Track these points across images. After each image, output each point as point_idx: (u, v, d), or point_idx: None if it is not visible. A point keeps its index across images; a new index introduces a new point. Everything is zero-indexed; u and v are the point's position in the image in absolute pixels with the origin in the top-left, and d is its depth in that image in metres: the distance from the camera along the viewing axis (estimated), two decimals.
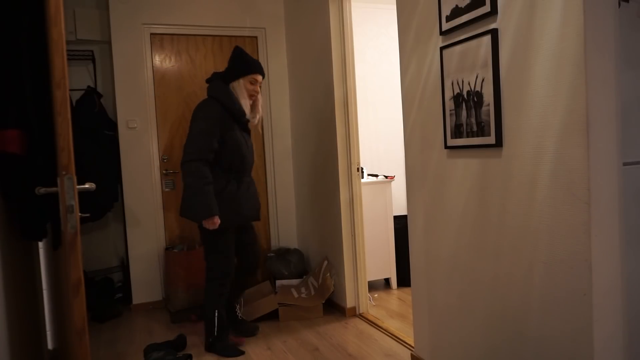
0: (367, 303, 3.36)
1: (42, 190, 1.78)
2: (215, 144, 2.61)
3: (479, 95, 1.86)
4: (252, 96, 2.77)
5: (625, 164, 1.57)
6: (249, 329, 3.03)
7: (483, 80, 1.84)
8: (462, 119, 1.97)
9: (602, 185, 1.48)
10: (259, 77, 2.76)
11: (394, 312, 3.36)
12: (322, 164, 3.50)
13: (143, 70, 3.70)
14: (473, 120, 1.91)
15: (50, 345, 2.70)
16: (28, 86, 1.89)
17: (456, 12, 1.95)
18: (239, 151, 2.70)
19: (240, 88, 2.71)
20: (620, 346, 1.54)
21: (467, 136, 1.95)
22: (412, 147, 2.40)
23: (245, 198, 2.76)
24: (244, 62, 2.73)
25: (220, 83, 2.72)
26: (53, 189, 1.77)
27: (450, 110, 2.05)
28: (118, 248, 3.96)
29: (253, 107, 2.82)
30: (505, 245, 1.81)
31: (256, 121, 2.85)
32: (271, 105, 4.07)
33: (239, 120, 2.72)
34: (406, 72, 2.38)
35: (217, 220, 2.58)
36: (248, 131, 2.85)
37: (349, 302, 3.32)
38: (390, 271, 3.85)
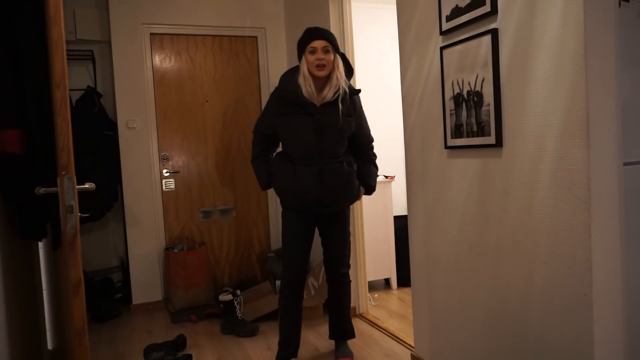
0: (367, 303, 3.36)
1: (42, 190, 1.78)
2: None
3: (479, 95, 1.86)
4: (320, 67, 2.32)
5: (625, 164, 1.57)
6: (248, 329, 3.03)
7: (483, 80, 1.83)
8: (462, 119, 1.97)
9: (603, 185, 1.47)
10: (317, 43, 2.31)
11: (394, 312, 3.36)
12: None
13: (143, 70, 3.70)
14: (473, 120, 1.91)
15: (50, 345, 2.70)
16: (28, 86, 1.89)
17: (456, 12, 1.95)
18: (289, 136, 2.44)
19: (302, 65, 2.37)
20: (620, 346, 1.54)
21: (467, 136, 1.95)
22: (412, 147, 2.40)
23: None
24: (302, 36, 2.40)
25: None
26: (53, 189, 1.77)
27: (450, 110, 2.05)
28: (118, 248, 3.96)
29: (328, 80, 2.37)
30: (506, 245, 1.81)
31: (329, 95, 2.35)
32: None
33: (298, 102, 2.36)
34: (406, 72, 2.38)
35: None
36: (316, 112, 2.35)
37: None
38: (390, 271, 3.85)
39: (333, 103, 2.36)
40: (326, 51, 2.32)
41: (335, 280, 2.64)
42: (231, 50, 4.00)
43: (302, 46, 2.38)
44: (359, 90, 2.50)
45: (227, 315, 3.16)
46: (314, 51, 2.32)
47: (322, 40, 2.32)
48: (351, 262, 3.30)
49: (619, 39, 1.50)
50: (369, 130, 2.62)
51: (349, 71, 2.49)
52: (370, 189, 2.60)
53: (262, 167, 2.55)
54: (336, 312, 2.68)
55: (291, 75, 2.44)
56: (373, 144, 2.65)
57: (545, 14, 1.55)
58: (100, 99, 3.65)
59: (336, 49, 2.38)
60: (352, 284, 3.31)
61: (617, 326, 1.53)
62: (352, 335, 2.71)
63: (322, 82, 2.37)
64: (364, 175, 2.58)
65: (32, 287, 2.43)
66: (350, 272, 3.30)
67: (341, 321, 2.68)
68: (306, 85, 2.34)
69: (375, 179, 2.62)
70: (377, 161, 2.66)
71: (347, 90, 2.39)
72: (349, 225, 2.61)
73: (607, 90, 1.47)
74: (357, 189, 2.54)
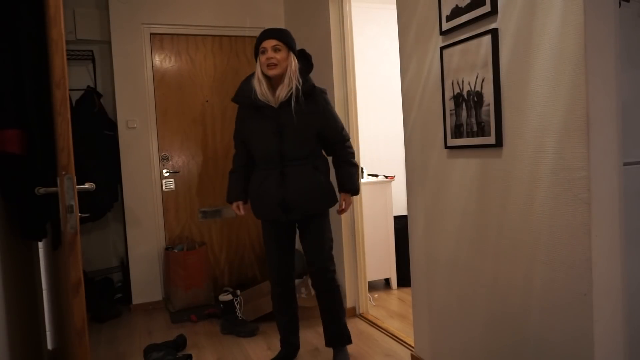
0: (367, 303, 3.36)
1: (42, 190, 1.78)
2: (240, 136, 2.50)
3: (479, 95, 1.86)
4: (270, 66, 2.28)
5: (625, 164, 1.57)
6: (248, 329, 3.03)
7: (483, 80, 1.83)
8: (462, 119, 1.97)
9: (603, 185, 1.48)
10: (266, 43, 2.29)
11: (394, 312, 3.36)
12: None
13: (143, 70, 3.70)
14: (473, 120, 1.91)
15: (50, 345, 2.70)
16: (28, 86, 1.89)
17: (456, 12, 1.95)
18: (252, 141, 2.44)
19: (256, 69, 2.35)
20: (620, 346, 1.54)
21: (467, 136, 1.95)
22: (412, 147, 2.40)
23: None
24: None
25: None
26: (53, 189, 1.77)
27: (450, 110, 2.05)
28: (118, 248, 3.96)
29: (281, 79, 2.32)
30: (505, 245, 1.81)
31: (282, 95, 2.30)
32: None
33: (256, 106, 2.35)
34: (406, 72, 2.38)
35: None
36: (274, 114, 2.32)
37: (349, 302, 3.32)
38: (390, 271, 3.85)
39: (290, 103, 2.31)
40: (276, 50, 2.29)
41: (320, 287, 2.50)
42: (231, 50, 4.00)
43: (256, 50, 2.37)
44: (314, 87, 2.37)
45: (227, 315, 3.16)
46: (264, 51, 2.30)
47: (271, 40, 2.30)
48: (351, 262, 3.31)
49: (619, 39, 1.50)
50: (340, 127, 2.46)
51: (308, 67, 2.42)
52: (352, 192, 2.48)
53: (235, 182, 2.51)
54: (327, 318, 2.53)
55: (248, 80, 2.42)
56: (348, 142, 2.49)
57: (545, 14, 1.56)
58: (100, 99, 3.65)
59: (291, 48, 2.34)
60: (352, 284, 3.32)
61: (617, 326, 1.53)
62: (348, 341, 2.56)
63: (276, 83, 2.35)
64: (340, 179, 2.48)
65: (32, 287, 2.43)
66: (350, 272, 3.31)
67: (334, 327, 2.53)
68: (261, 88, 2.32)
69: (354, 179, 2.46)
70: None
71: (300, 88, 2.31)
72: (328, 230, 2.48)
73: (607, 90, 1.47)
74: (329, 193, 2.42)
